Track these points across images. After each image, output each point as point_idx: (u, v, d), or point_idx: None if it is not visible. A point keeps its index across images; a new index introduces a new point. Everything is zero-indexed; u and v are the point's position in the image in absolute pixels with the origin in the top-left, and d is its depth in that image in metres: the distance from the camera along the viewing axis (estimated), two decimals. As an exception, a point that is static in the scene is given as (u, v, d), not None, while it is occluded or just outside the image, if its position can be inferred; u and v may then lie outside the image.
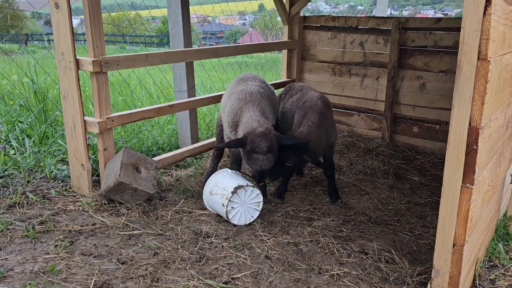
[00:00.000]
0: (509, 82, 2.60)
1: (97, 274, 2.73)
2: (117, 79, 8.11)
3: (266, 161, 3.33)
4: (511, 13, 2.34)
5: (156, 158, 4.27)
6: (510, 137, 3.13)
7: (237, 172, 3.71)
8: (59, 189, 3.97)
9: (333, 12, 21.16)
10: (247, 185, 3.43)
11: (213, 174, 3.72)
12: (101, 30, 3.59)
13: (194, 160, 4.92)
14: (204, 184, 3.73)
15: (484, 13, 1.98)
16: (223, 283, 2.68)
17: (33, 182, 4.07)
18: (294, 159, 3.51)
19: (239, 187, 3.40)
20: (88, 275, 2.72)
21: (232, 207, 3.39)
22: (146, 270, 2.78)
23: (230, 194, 3.36)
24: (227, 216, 3.39)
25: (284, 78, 6.21)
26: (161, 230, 3.32)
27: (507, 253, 3.13)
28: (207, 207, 3.66)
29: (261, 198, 3.49)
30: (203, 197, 3.65)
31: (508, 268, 2.93)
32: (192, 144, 5.10)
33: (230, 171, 3.69)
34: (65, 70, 3.67)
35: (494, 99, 2.27)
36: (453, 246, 2.35)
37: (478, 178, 2.28)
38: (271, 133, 3.34)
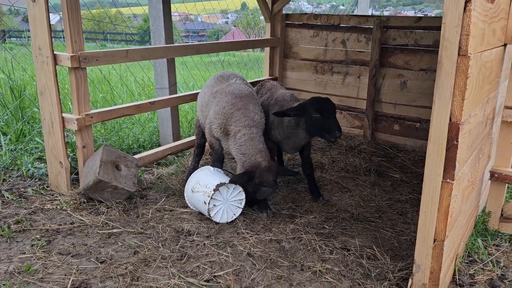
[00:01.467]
0: (487, 79, 2.64)
1: (74, 273, 2.67)
2: (97, 76, 7.98)
3: (272, 192, 3.49)
4: (490, 10, 2.37)
5: (137, 156, 4.21)
6: (489, 134, 3.18)
7: (219, 170, 3.68)
8: (36, 187, 3.87)
9: (315, 11, 21.27)
10: (229, 183, 3.40)
11: (195, 171, 3.68)
12: (80, 24, 3.51)
13: (175, 158, 4.86)
14: (186, 182, 3.69)
15: (465, 9, 2.00)
16: (205, 281, 2.65)
17: (9, 181, 3.96)
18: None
19: (221, 184, 3.37)
20: (65, 275, 2.65)
21: (214, 205, 3.35)
22: (126, 269, 2.73)
23: (212, 191, 3.33)
24: (209, 214, 3.35)
25: (266, 76, 6.20)
26: (141, 229, 3.27)
27: (486, 248, 3.18)
28: (189, 205, 3.61)
29: (243, 196, 3.46)
30: (185, 195, 3.61)
31: (487, 263, 2.98)
32: (173, 141, 5.04)
33: (212, 168, 3.66)
34: (42, 65, 3.57)
35: (473, 96, 2.29)
36: (434, 242, 2.37)
37: (458, 173, 2.30)
38: (273, 165, 3.45)
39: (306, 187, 4.19)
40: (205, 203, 3.34)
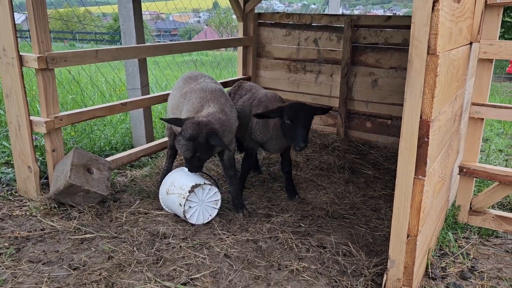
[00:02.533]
0: (455, 77, 2.71)
1: (46, 282, 2.59)
2: (66, 76, 7.77)
3: (184, 147, 3.24)
4: (457, 10, 2.43)
5: (109, 159, 4.12)
6: (457, 130, 3.26)
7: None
8: (4, 193, 3.73)
9: (287, 10, 21.38)
10: (204, 184, 3.37)
11: (169, 173, 3.64)
12: (46, 23, 3.40)
13: (149, 159, 4.79)
14: (160, 184, 3.64)
15: (433, 8, 2.04)
16: (182, 284, 2.62)
17: (-26, 187, 3.81)
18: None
19: (197, 185, 3.34)
20: (36, 284, 2.57)
21: (190, 206, 3.32)
22: (100, 275, 2.67)
23: (187, 193, 3.29)
24: (185, 216, 3.32)
25: (240, 75, 6.19)
26: (115, 233, 3.20)
27: (456, 241, 3.27)
28: (164, 207, 3.57)
29: (219, 197, 3.44)
30: (160, 197, 3.56)
31: (458, 256, 3.06)
32: (146, 143, 4.97)
33: (186, 169, 3.62)
34: (7, 67, 3.45)
35: (443, 93, 2.35)
36: (407, 237, 2.41)
37: (430, 169, 2.35)
38: (205, 126, 3.24)
39: (282, 186, 4.20)
40: (181, 205, 3.30)
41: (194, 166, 3.36)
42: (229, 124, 3.48)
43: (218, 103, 3.52)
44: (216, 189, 3.43)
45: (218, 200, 3.44)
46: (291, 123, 3.42)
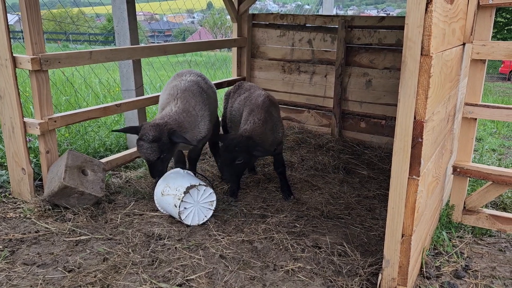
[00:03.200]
0: (449, 77, 2.73)
1: (41, 284, 2.58)
2: (60, 78, 7.73)
3: (149, 150, 3.27)
4: (450, 11, 2.45)
5: (104, 160, 4.11)
6: (451, 130, 3.29)
7: (189, 172, 3.65)
8: (-3, 195, 3.71)
9: (281, 11, 21.41)
10: (199, 185, 3.37)
11: (164, 174, 3.63)
12: (40, 24, 3.39)
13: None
14: (155, 185, 3.63)
15: (426, 10, 2.06)
16: (177, 285, 2.62)
17: (-32, 189, 3.78)
18: (243, 156, 3.47)
19: (192, 186, 3.34)
20: (31, 286, 2.56)
21: (185, 208, 3.32)
22: (95, 277, 2.66)
23: (182, 194, 3.29)
24: (180, 217, 3.32)
25: (234, 76, 6.19)
26: (110, 234, 3.19)
27: (450, 240, 3.29)
28: (159, 208, 3.56)
29: (214, 197, 3.44)
30: (155, 198, 3.55)
31: (452, 255, 3.08)
32: (141, 144, 4.95)
33: (181, 171, 3.62)
34: (0, 69, 3.43)
35: (436, 94, 2.37)
36: (402, 237, 2.43)
37: (423, 169, 2.37)
38: (164, 126, 3.30)
39: (277, 186, 4.21)
40: (176, 206, 3.30)
41: (158, 170, 3.39)
42: (187, 125, 3.53)
43: (184, 102, 3.58)
44: (211, 190, 3.43)
45: (213, 201, 3.44)
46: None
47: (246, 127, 3.65)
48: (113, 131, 3.61)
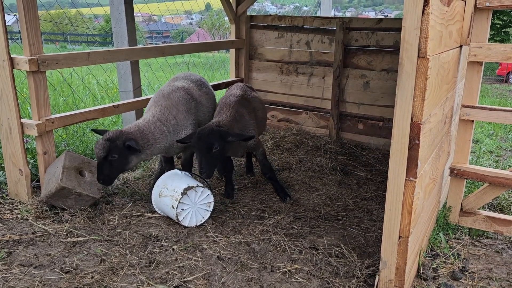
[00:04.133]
0: (446, 79, 2.74)
1: (38, 285, 2.57)
2: (57, 78, 7.73)
3: (100, 146, 3.29)
4: (447, 13, 2.46)
5: (101, 161, 4.09)
6: (448, 131, 3.30)
7: (187, 173, 3.65)
8: (-6, 196, 3.70)
9: (279, 12, 21.44)
10: (197, 186, 3.37)
11: (162, 175, 3.63)
12: (37, 25, 3.38)
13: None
14: (153, 186, 3.63)
15: (423, 12, 2.07)
16: (174, 287, 2.62)
17: (-36, 190, 3.77)
18: (218, 143, 3.38)
19: (189, 188, 3.34)
20: (28, 287, 2.55)
21: (183, 209, 3.32)
22: (92, 278, 2.66)
23: (180, 195, 3.29)
24: (178, 218, 3.32)
25: (232, 77, 6.20)
26: (108, 236, 3.19)
27: (447, 242, 3.30)
28: (157, 209, 3.56)
29: (212, 199, 3.44)
30: (152, 199, 3.55)
31: (449, 257, 3.09)
32: (139, 145, 4.95)
33: (179, 172, 3.62)
34: (-2, 69, 3.43)
35: (433, 96, 2.38)
36: (399, 238, 2.43)
37: (421, 171, 2.38)
38: (126, 134, 3.35)
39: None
40: (173, 207, 3.30)
41: (103, 174, 3.32)
42: (158, 136, 3.53)
43: (163, 110, 3.62)
44: (209, 192, 3.43)
45: (211, 202, 3.45)
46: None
47: (213, 120, 3.62)
48: (92, 130, 3.62)
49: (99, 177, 3.33)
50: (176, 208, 3.28)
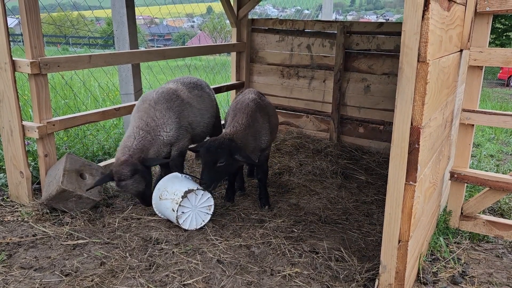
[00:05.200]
0: (446, 83, 2.75)
1: (38, 288, 2.58)
2: (59, 81, 7.75)
3: (134, 184, 3.42)
4: (447, 18, 2.47)
5: (102, 164, 4.11)
6: (448, 136, 3.30)
7: (187, 176, 3.65)
8: (-5, 199, 3.71)
9: (281, 15, 21.50)
10: (197, 189, 3.38)
11: (163, 178, 3.64)
12: (39, 28, 3.40)
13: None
14: (153, 189, 3.63)
15: (423, 17, 2.07)
16: (174, 290, 2.62)
17: (-35, 193, 3.78)
18: (224, 159, 3.38)
19: (190, 191, 3.34)
20: (28, 290, 2.56)
21: (183, 212, 3.32)
22: (92, 281, 2.66)
23: (180, 198, 3.30)
24: (178, 221, 3.32)
25: (233, 81, 6.21)
26: (108, 238, 3.19)
27: (448, 246, 3.30)
28: (157, 212, 3.56)
29: (212, 202, 3.45)
30: (152, 202, 3.55)
31: (449, 261, 3.09)
32: (140, 148, 4.95)
33: (180, 175, 3.62)
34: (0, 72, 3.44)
35: (433, 100, 2.38)
36: (399, 242, 2.43)
37: (420, 175, 2.38)
38: (132, 160, 3.42)
39: (275, 191, 4.21)
40: (174, 211, 3.30)
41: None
42: (147, 148, 3.56)
43: (138, 118, 3.64)
44: (209, 195, 3.44)
45: (211, 205, 3.45)
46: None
47: (227, 131, 3.59)
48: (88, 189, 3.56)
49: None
50: (177, 211, 3.28)
